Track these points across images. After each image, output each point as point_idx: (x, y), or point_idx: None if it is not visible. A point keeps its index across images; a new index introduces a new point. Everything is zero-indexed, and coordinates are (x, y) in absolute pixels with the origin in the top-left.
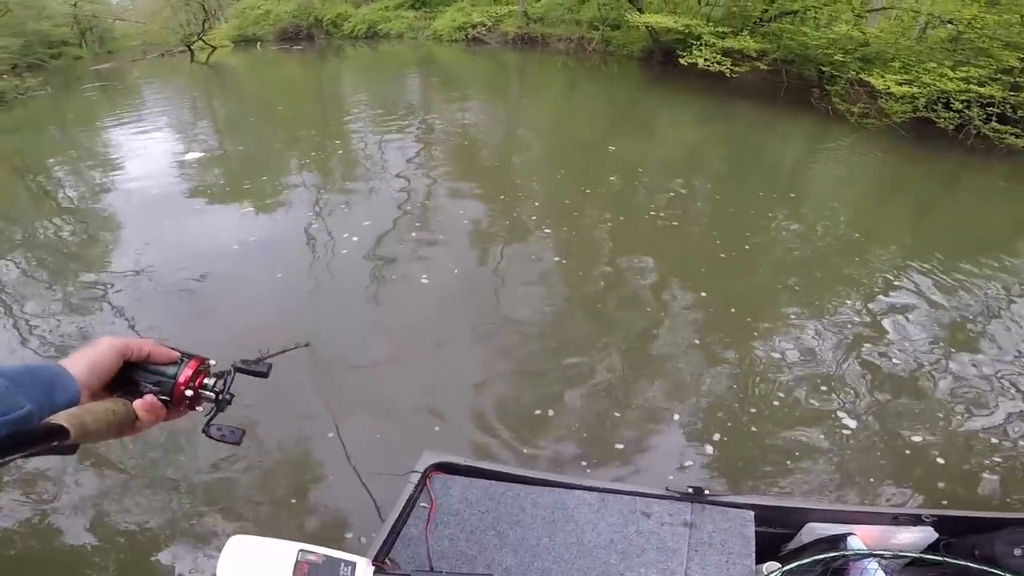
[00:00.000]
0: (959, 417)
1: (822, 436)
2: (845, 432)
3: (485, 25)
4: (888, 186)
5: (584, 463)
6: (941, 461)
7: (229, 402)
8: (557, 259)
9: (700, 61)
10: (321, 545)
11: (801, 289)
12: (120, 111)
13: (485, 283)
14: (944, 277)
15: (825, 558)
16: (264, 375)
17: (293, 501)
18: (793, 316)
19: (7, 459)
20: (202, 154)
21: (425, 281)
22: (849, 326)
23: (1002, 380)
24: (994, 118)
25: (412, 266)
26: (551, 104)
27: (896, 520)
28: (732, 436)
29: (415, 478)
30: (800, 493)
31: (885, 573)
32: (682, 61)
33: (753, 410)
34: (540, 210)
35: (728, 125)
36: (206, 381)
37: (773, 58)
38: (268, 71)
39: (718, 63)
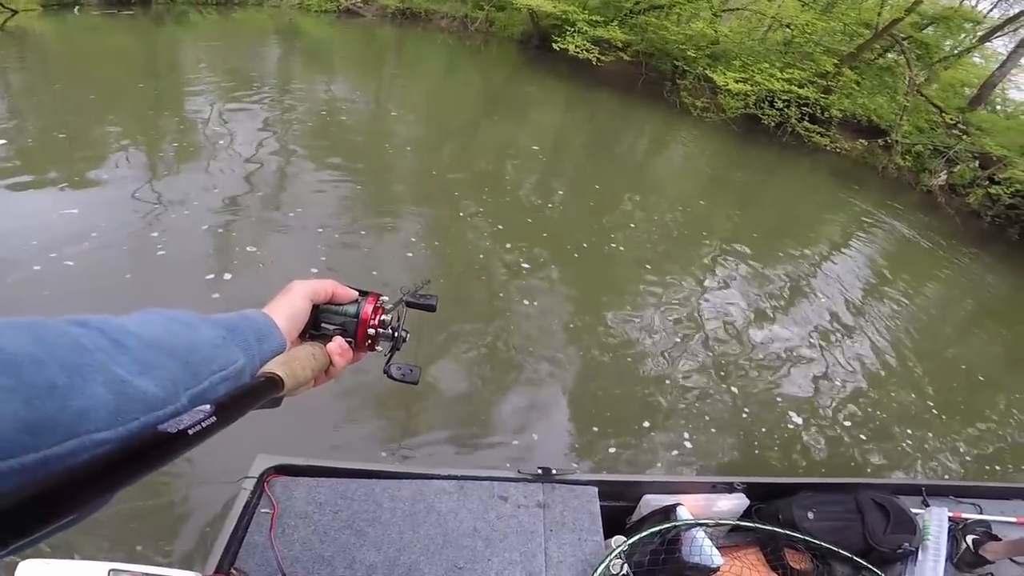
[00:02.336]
0: (773, 384)
1: (663, 401)
2: (683, 400)
3: None
4: (720, 176)
5: (449, 447)
6: (753, 422)
7: (405, 340)
8: (420, 242)
9: (572, 47)
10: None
11: (651, 266)
12: None
13: (348, 268)
14: (762, 255)
15: (660, 529)
16: (433, 308)
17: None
18: (642, 290)
19: (238, 416)
20: None
21: (270, 265)
22: (692, 299)
23: (809, 345)
24: (806, 118)
25: (264, 249)
26: (427, 83)
27: (714, 488)
28: (579, 407)
29: (250, 484)
30: (640, 453)
31: (711, 540)
32: (555, 46)
33: (601, 379)
34: (407, 192)
35: (591, 112)
36: (383, 318)
37: (636, 50)
38: (87, 40)
39: (587, 51)
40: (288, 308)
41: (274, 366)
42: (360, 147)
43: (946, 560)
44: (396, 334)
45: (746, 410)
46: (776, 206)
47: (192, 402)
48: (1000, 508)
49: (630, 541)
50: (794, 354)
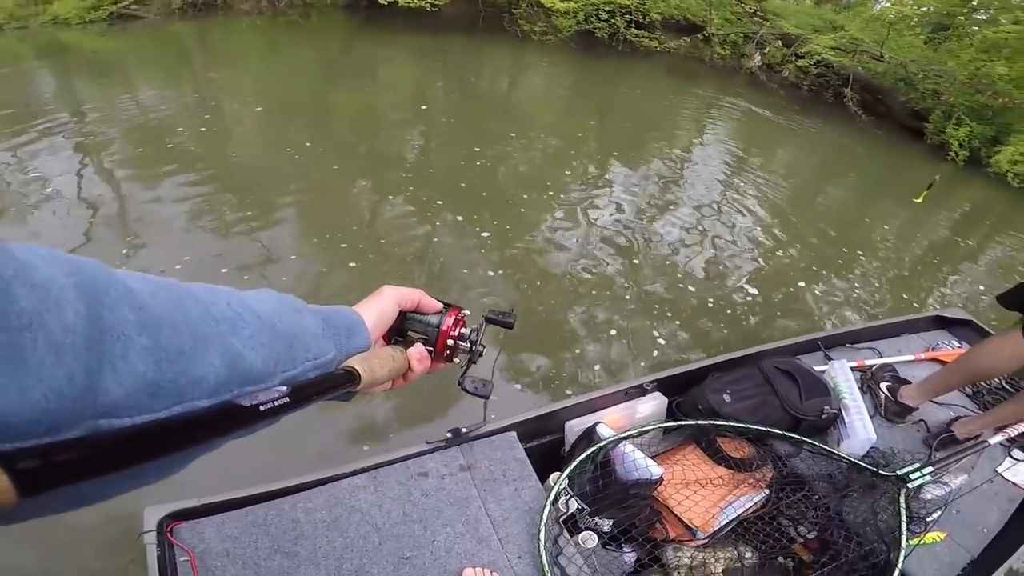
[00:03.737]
0: (670, 275)
1: (571, 317)
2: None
3: None
4: (576, 93)
5: (356, 435)
6: (659, 316)
7: (481, 354)
8: (303, 239)
9: None
10: None
11: (536, 191)
12: None
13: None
14: (633, 158)
15: (588, 455)
16: (511, 326)
17: None
18: (536, 215)
19: (309, 402)
20: None
21: None
22: (580, 212)
23: (695, 231)
24: (633, 25)
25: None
26: (253, 71)
27: (628, 395)
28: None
29: (152, 538)
30: (556, 377)
31: (643, 451)
32: (383, 1)
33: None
34: (276, 184)
35: (443, 59)
36: (463, 331)
37: None
38: None
39: None
40: (377, 309)
41: (354, 362)
42: (205, 154)
43: (874, 414)
44: (474, 347)
45: (655, 306)
46: (632, 111)
47: (282, 383)
48: (896, 347)
49: (563, 476)
50: (684, 242)
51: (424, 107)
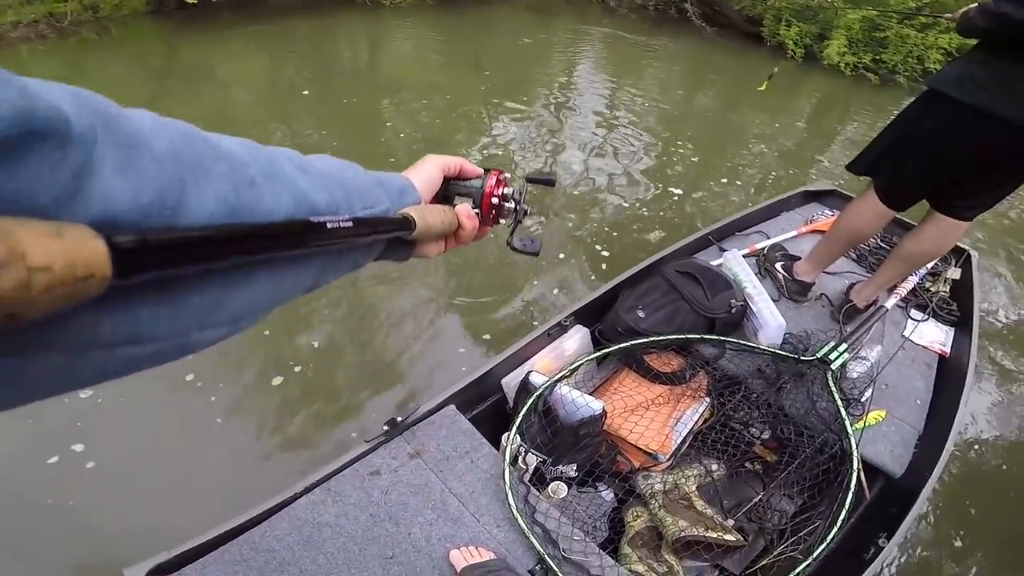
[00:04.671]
0: (574, 206)
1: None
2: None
3: None
4: (445, 49)
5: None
6: (565, 249)
7: (527, 212)
8: None
9: None
10: None
11: (427, 150)
12: None
13: None
14: (521, 102)
15: (528, 407)
16: (552, 183)
17: None
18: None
19: (369, 235)
20: None
21: None
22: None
23: (592, 155)
24: None
25: None
26: None
27: (551, 336)
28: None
29: None
30: (489, 332)
31: (579, 389)
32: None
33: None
34: None
35: (290, 44)
36: (505, 191)
37: None
38: None
39: None
40: (424, 173)
41: (408, 211)
42: None
43: (778, 298)
44: (518, 207)
45: (570, 239)
46: (506, 56)
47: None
48: (779, 226)
49: (512, 435)
50: (584, 173)
51: (284, 100)
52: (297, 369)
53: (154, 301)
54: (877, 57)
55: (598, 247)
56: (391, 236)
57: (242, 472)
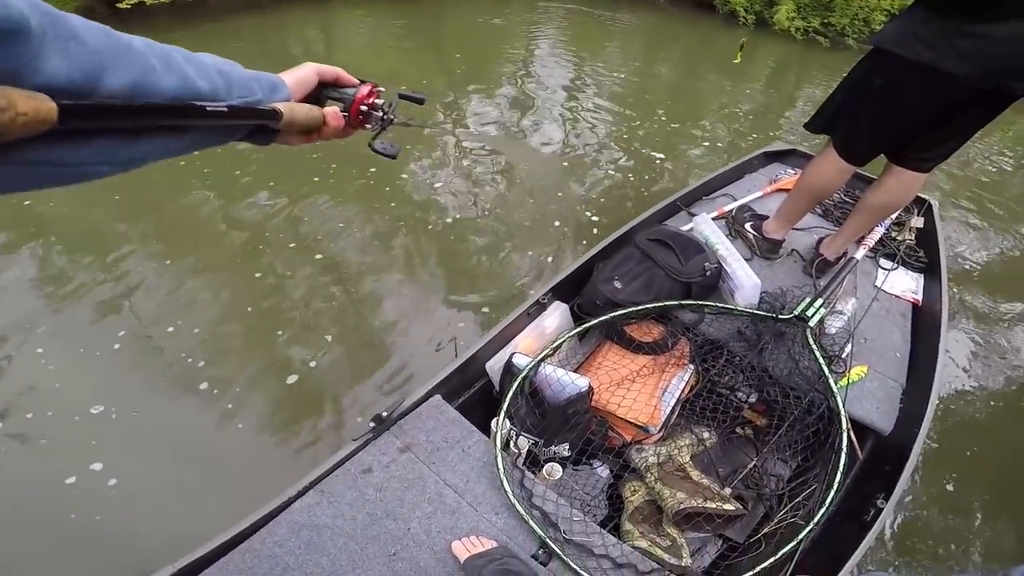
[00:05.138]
0: (547, 182)
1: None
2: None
3: None
4: (404, 37)
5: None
6: (539, 226)
7: (392, 122)
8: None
9: None
10: None
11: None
12: None
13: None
14: (485, 84)
15: (514, 390)
16: (422, 102)
17: None
18: (412, 166)
19: (235, 122)
20: None
21: None
22: (446, 149)
23: (562, 129)
24: None
25: None
26: None
27: (530, 315)
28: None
29: None
30: (462, 319)
31: (564, 368)
32: (123, 5)
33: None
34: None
35: (235, 41)
36: (377, 102)
37: None
38: None
39: None
40: (297, 73)
41: (277, 105)
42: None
43: (751, 257)
44: (385, 116)
45: (552, 222)
46: (467, 40)
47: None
48: (744, 188)
49: (500, 420)
50: (558, 149)
51: None
52: (313, 364)
53: (76, 141)
54: (825, 21)
55: (588, 214)
56: (259, 123)
57: (257, 473)
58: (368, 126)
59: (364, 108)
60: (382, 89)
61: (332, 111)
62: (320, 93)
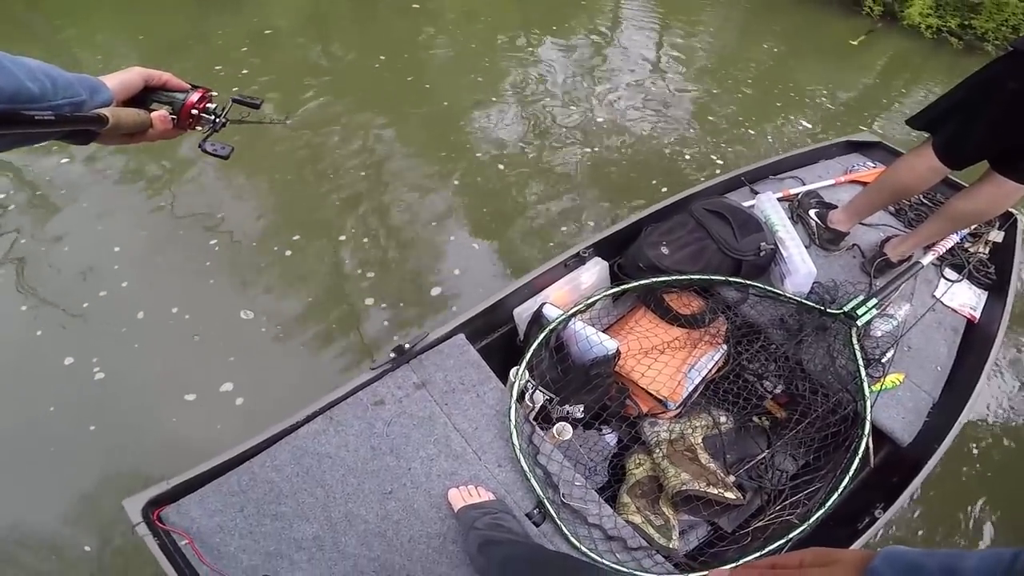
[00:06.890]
0: (618, 136)
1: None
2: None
3: None
4: None
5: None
6: (597, 176)
7: (224, 125)
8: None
9: None
10: None
11: (482, 80)
12: None
13: None
14: (556, 33)
15: (540, 342)
16: (257, 106)
17: None
18: (480, 107)
19: (61, 129)
20: None
21: None
22: (528, 92)
23: (634, 90)
24: None
25: None
26: (107, 24)
27: (567, 266)
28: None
29: (145, 528)
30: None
31: (594, 326)
32: None
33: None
34: None
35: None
36: (209, 106)
37: None
38: None
39: None
40: (122, 77)
41: (103, 111)
42: None
43: (809, 244)
44: (217, 119)
45: (603, 170)
46: None
47: (49, 110)
48: (815, 173)
49: (521, 370)
50: (627, 108)
51: (321, 17)
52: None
53: None
54: (966, 23)
55: (653, 180)
56: (79, 140)
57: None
58: (199, 128)
59: (195, 112)
60: (215, 93)
61: (160, 115)
62: (147, 96)
